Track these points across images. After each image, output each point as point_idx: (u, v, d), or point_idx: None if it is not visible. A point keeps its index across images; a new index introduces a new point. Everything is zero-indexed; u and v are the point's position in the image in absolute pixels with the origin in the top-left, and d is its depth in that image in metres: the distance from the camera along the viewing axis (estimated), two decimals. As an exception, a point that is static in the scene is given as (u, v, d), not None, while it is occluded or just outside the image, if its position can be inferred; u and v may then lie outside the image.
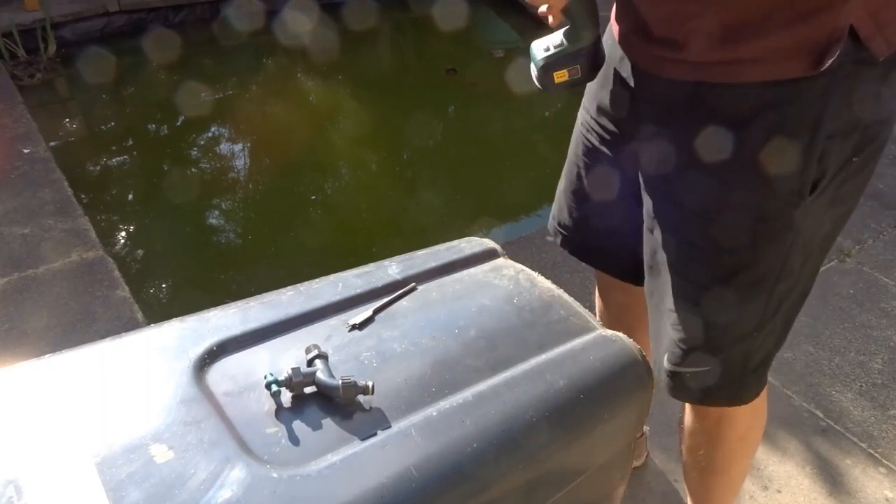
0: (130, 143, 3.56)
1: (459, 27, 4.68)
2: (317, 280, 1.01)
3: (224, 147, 3.66)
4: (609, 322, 1.39)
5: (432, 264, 1.06)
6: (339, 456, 0.73)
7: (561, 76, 1.01)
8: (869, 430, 1.75)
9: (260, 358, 0.86)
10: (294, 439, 0.75)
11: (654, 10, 0.95)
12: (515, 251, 2.24)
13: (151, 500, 0.67)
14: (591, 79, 1.05)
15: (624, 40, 1.05)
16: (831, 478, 1.63)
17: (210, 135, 3.70)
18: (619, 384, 0.92)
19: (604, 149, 1.17)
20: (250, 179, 3.42)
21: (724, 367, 1.06)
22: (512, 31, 4.97)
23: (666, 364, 1.09)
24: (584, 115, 1.22)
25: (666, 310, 1.07)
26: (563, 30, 1.01)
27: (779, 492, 1.59)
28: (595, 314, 1.05)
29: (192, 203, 3.02)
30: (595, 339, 0.94)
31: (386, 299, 0.98)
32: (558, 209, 1.32)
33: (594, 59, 1.02)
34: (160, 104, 3.77)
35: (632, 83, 1.05)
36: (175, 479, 0.69)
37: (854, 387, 1.86)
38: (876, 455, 1.68)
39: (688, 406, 1.24)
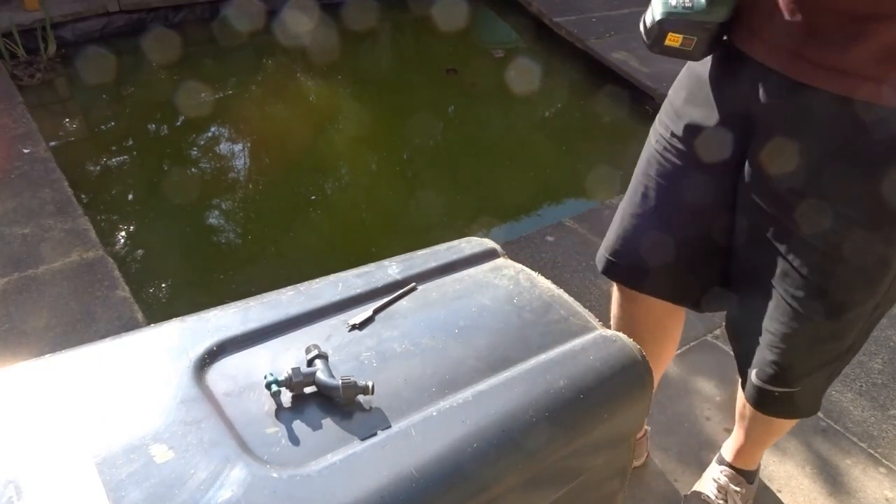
0: (130, 143, 3.56)
1: (459, 27, 4.68)
2: (317, 280, 1.01)
3: (224, 147, 3.66)
4: (643, 333, 1.35)
5: (432, 264, 1.06)
6: (339, 456, 0.73)
7: (674, 39, 0.94)
8: (869, 430, 1.75)
9: (260, 358, 0.86)
10: (294, 439, 0.75)
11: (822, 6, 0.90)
12: (515, 251, 2.24)
13: (151, 500, 0.67)
14: (700, 58, 0.98)
15: (761, 46, 0.99)
16: (831, 478, 1.63)
17: (210, 135, 3.70)
18: (619, 384, 0.92)
19: (687, 169, 1.13)
20: (250, 179, 3.42)
21: (811, 389, 1.13)
22: (512, 31, 4.97)
23: (755, 380, 1.14)
24: (664, 133, 1.16)
25: (763, 329, 1.09)
26: None
27: (779, 492, 1.59)
28: (594, 314, 1.05)
29: (192, 203, 3.02)
30: (595, 339, 0.94)
31: (386, 299, 0.98)
32: (617, 236, 1.26)
33: (713, 40, 0.96)
34: (160, 104, 3.76)
35: (759, 95, 1.00)
36: (175, 479, 0.69)
37: (854, 387, 1.86)
38: (876, 455, 1.68)
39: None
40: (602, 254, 1.30)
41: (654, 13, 0.95)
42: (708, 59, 1.08)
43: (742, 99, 1.04)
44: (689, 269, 1.21)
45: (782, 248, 1.05)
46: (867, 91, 0.92)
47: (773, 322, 1.08)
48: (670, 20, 0.93)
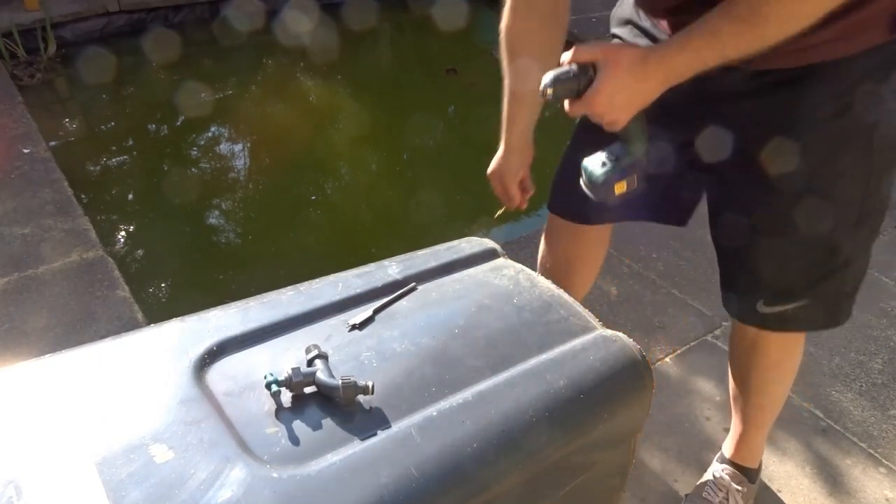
0: (130, 143, 3.56)
1: (459, 27, 4.68)
2: (317, 280, 1.01)
3: (224, 147, 3.66)
4: (554, 270, 1.47)
5: (432, 264, 1.06)
6: (339, 456, 0.73)
7: (620, 187, 1.04)
8: (869, 430, 1.75)
9: (260, 358, 0.86)
10: (294, 439, 0.75)
11: None
12: (515, 251, 2.24)
13: (151, 500, 0.67)
14: (639, 183, 1.08)
15: None
16: (831, 478, 1.63)
17: (210, 135, 3.70)
18: (619, 384, 0.92)
19: None
20: (250, 179, 3.42)
21: (822, 300, 1.17)
22: (512, 31, 4.96)
23: (764, 309, 1.19)
24: None
25: (751, 260, 1.15)
26: (613, 146, 1.04)
27: (779, 492, 1.59)
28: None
29: (192, 203, 3.02)
30: (595, 339, 0.94)
31: (386, 299, 0.98)
32: (557, 178, 1.37)
33: (645, 167, 1.06)
34: (160, 104, 3.77)
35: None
36: (175, 479, 0.69)
37: (854, 387, 1.87)
38: (876, 455, 1.68)
39: (731, 335, 1.38)
40: (552, 196, 1.41)
41: (593, 181, 1.05)
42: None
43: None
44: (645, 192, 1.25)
45: (748, 188, 1.12)
46: (823, 52, 0.98)
47: (758, 250, 1.14)
48: (610, 177, 1.03)
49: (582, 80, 0.93)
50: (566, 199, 1.37)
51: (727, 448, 1.53)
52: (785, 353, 1.32)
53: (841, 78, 1.00)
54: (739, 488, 1.48)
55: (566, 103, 0.97)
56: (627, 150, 1.03)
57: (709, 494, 1.48)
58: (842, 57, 0.98)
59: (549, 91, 0.94)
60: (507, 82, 1.26)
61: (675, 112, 1.07)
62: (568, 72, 0.94)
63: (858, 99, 1.00)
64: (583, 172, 1.05)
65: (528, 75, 1.16)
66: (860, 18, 0.94)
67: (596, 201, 1.06)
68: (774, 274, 1.16)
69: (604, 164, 1.03)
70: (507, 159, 1.35)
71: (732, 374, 1.45)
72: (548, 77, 0.94)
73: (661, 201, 1.29)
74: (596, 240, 1.47)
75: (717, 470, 1.51)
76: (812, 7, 0.84)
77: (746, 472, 1.50)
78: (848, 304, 1.22)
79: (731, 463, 1.51)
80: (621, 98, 0.94)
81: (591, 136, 1.11)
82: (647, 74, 0.92)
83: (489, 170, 1.40)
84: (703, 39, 0.89)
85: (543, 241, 1.52)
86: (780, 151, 1.05)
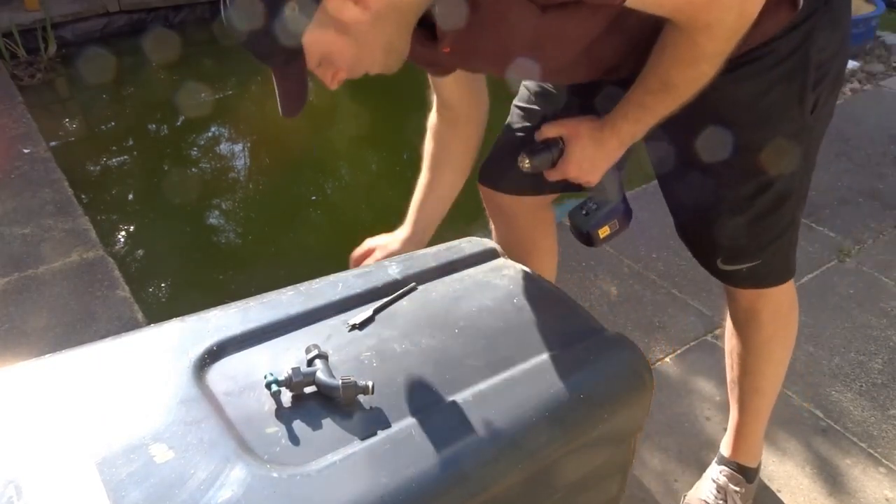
0: (130, 143, 3.56)
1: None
2: (317, 280, 1.01)
3: (224, 147, 3.66)
4: (514, 241, 1.50)
5: (432, 264, 1.06)
6: (339, 456, 0.73)
7: (604, 231, 1.16)
8: (869, 430, 1.75)
9: (260, 358, 0.86)
10: (294, 439, 0.75)
11: None
12: (515, 251, 2.24)
13: (151, 500, 0.67)
14: (627, 227, 1.20)
15: None
16: (831, 478, 1.63)
17: (210, 135, 3.70)
18: (619, 384, 0.92)
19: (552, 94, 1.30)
20: (250, 179, 3.42)
21: (774, 258, 1.24)
22: (512, 31, 4.96)
23: (721, 265, 1.26)
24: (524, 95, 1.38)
25: (712, 221, 1.21)
26: (590, 196, 1.17)
27: (779, 492, 1.59)
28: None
29: (192, 203, 3.02)
30: (595, 339, 0.94)
31: (386, 299, 0.98)
32: (490, 154, 1.45)
33: (625, 211, 1.18)
34: (160, 104, 3.77)
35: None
36: (175, 479, 0.69)
37: (854, 387, 1.86)
38: (876, 455, 1.68)
39: (728, 315, 1.41)
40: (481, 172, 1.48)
41: (581, 229, 1.17)
42: None
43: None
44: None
45: (693, 173, 1.17)
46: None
47: (721, 213, 1.19)
48: (595, 223, 1.16)
49: (554, 152, 1.10)
50: (499, 174, 1.45)
51: (725, 447, 1.53)
52: (777, 325, 1.35)
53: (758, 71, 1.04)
54: (737, 489, 1.48)
55: (544, 172, 1.13)
56: (605, 199, 1.16)
57: (707, 495, 1.48)
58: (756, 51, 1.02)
59: (527, 164, 1.10)
60: (424, 173, 1.41)
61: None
62: (541, 147, 1.11)
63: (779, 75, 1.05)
64: (570, 221, 1.19)
65: (444, 172, 1.38)
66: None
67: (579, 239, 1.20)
68: (728, 241, 1.22)
69: (587, 213, 1.16)
70: (403, 244, 1.37)
71: (729, 360, 1.45)
72: (525, 153, 1.10)
73: None
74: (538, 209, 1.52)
75: (715, 471, 1.51)
76: (709, 66, 0.93)
77: (745, 473, 1.50)
78: (794, 254, 1.29)
79: (730, 463, 1.51)
80: (588, 163, 1.09)
81: (524, 116, 1.34)
82: (603, 141, 1.07)
83: (371, 240, 1.42)
84: (636, 111, 1.02)
85: (492, 222, 1.60)
86: (714, 138, 1.11)
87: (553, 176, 1.13)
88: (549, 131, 1.12)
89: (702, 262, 1.32)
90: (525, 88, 1.39)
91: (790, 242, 1.27)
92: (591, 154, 1.09)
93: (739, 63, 1.01)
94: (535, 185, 1.30)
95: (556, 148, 1.10)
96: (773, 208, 1.18)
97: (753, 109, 1.08)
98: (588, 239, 1.18)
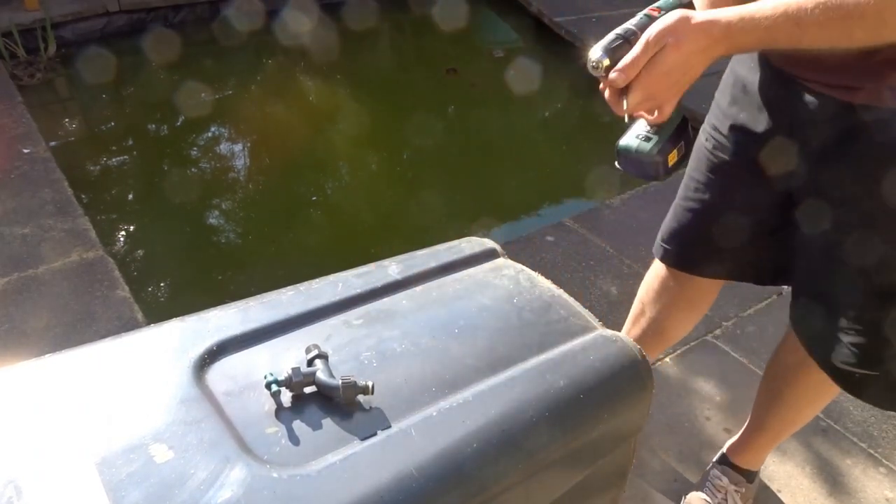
0: (130, 143, 3.56)
1: (459, 27, 4.68)
2: (317, 280, 1.01)
3: (224, 147, 3.66)
4: (654, 313, 1.49)
5: (432, 264, 1.06)
6: (339, 456, 0.73)
7: (673, 157, 1.01)
8: (869, 430, 1.75)
9: (260, 358, 0.86)
10: (294, 439, 0.75)
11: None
12: (515, 251, 2.24)
13: (151, 500, 0.67)
14: (690, 152, 1.06)
15: (794, 64, 1.03)
16: (831, 478, 1.63)
17: (210, 135, 3.70)
18: (619, 384, 0.92)
19: (735, 165, 1.19)
20: (250, 179, 3.42)
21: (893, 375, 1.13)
22: (512, 31, 4.97)
23: (836, 363, 1.15)
24: (712, 132, 1.23)
25: (839, 315, 1.11)
26: (632, 121, 1.00)
27: (779, 492, 1.59)
28: (594, 314, 1.08)
29: (192, 203, 3.02)
30: (595, 339, 0.94)
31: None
32: (671, 227, 1.35)
33: (689, 133, 1.04)
34: (160, 104, 3.76)
35: (799, 107, 1.04)
36: (175, 479, 0.69)
37: (854, 387, 1.86)
38: (876, 455, 1.68)
39: (780, 347, 1.38)
40: (658, 243, 1.41)
41: (642, 156, 1.00)
42: (751, 65, 1.13)
43: (784, 110, 1.09)
44: (741, 252, 1.28)
45: (843, 246, 1.08)
46: (866, 95, 0.95)
47: (850, 308, 1.11)
48: (662, 149, 0.99)
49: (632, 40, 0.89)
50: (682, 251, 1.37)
51: (731, 451, 1.52)
52: (829, 387, 1.27)
53: None
54: (738, 489, 1.48)
55: (612, 76, 0.89)
56: (669, 120, 0.99)
57: (708, 495, 1.48)
58: None
59: (606, 61, 0.88)
60: None
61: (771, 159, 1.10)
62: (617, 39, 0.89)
63: None
64: (624, 152, 1.00)
65: None
66: None
67: (648, 177, 1.03)
68: (862, 326, 1.12)
69: (646, 139, 0.99)
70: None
71: (768, 385, 1.42)
72: (602, 47, 0.89)
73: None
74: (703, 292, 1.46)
75: (715, 471, 1.51)
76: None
77: (745, 473, 1.50)
78: None
79: (731, 465, 1.50)
80: (679, 73, 0.88)
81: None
82: (710, 48, 0.86)
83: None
84: (783, 24, 0.81)
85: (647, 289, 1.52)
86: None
87: (618, 82, 0.88)
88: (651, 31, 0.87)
89: (820, 351, 1.19)
90: (713, 124, 1.25)
91: None
92: (684, 60, 0.86)
93: None
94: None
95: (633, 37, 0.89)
96: None
97: None
98: (653, 168, 1.00)
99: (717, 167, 1.22)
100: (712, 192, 1.24)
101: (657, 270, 1.47)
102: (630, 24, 0.92)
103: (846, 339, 1.12)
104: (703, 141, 1.25)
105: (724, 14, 0.85)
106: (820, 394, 1.31)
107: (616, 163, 1.02)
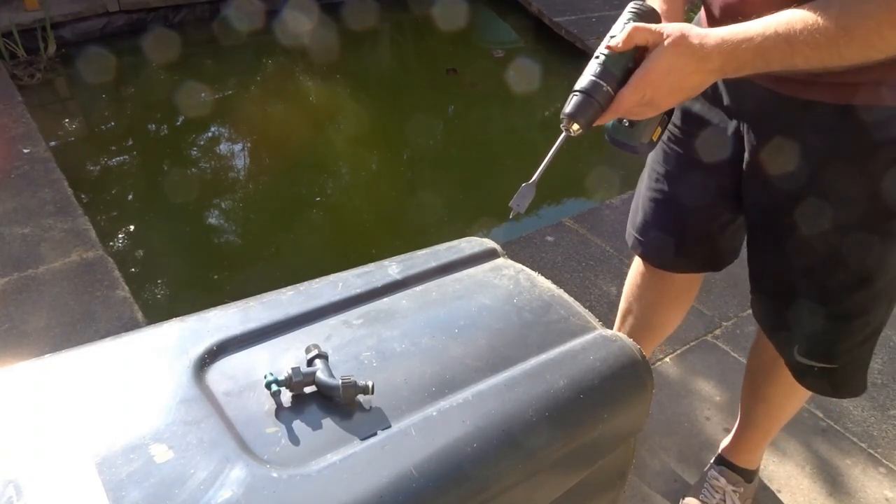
0: (130, 143, 3.56)
1: (459, 27, 4.68)
2: (317, 280, 1.01)
3: (224, 147, 3.66)
4: (640, 309, 1.50)
5: (432, 264, 1.06)
6: (339, 456, 0.73)
7: (657, 133, 1.02)
8: (869, 430, 1.75)
9: (260, 358, 0.86)
10: (294, 439, 0.75)
11: None
12: (515, 251, 2.24)
13: (151, 500, 0.67)
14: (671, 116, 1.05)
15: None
16: (831, 478, 1.63)
17: (210, 135, 3.70)
18: (619, 384, 0.92)
19: (690, 156, 1.22)
20: (250, 179, 3.42)
21: (851, 366, 1.18)
22: (512, 31, 4.97)
23: (797, 356, 1.19)
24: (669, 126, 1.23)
25: (799, 310, 1.15)
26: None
27: (779, 492, 1.59)
28: (594, 314, 1.08)
29: (192, 203, 3.02)
30: (595, 339, 0.94)
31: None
32: (640, 219, 1.37)
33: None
34: (160, 104, 3.76)
35: (754, 103, 1.08)
36: (175, 478, 0.69)
37: (854, 387, 1.86)
38: (876, 455, 1.68)
39: (755, 345, 1.40)
40: (630, 231, 1.41)
41: (629, 137, 1.01)
42: None
43: (738, 102, 1.11)
44: (707, 245, 1.31)
45: (787, 244, 1.11)
46: (865, 95, 0.95)
47: (809, 302, 1.14)
48: (643, 133, 1.00)
49: (598, 97, 0.91)
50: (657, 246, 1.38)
51: (727, 450, 1.53)
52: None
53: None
54: (736, 489, 1.48)
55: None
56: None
57: (706, 496, 1.48)
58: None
59: (575, 127, 0.93)
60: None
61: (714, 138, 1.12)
62: (581, 99, 0.92)
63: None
64: (612, 129, 1.02)
65: None
66: None
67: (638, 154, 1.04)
68: (819, 332, 1.15)
69: (631, 124, 1.00)
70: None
71: (749, 382, 1.44)
72: (568, 113, 0.93)
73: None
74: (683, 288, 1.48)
75: (714, 471, 1.51)
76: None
77: (744, 473, 1.50)
78: (865, 375, 1.23)
79: (729, 464, 1.51)
80: (675, 81, 0.87)
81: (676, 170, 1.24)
82: (705, 58, 0.85)
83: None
84: (774, 43, 0.82)
85: (631, 286, 1.52)
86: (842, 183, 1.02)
87: (615, 109, 0.90)
88: (637, 35, 0.87)
89: (778, 345, 1.24)
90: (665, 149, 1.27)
91: (871, 350, 1.20)
92: (681, 69, 0.86)
93: None
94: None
95: (601, 91, 0.90)
96: (866, 309, 1.11)
97: None
98: (640, 147, 1.02)
99: (673, 158, 1.26)
100: (671, 184, 1.28)
101: (638, 268, 1.48)
102: (591, 74, 0.92)
103: (804, 331, 1.16)
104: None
105: (716, 29, 0.87)
106: (797, 388, 1.33)
107: (644, 151, 1.05)
